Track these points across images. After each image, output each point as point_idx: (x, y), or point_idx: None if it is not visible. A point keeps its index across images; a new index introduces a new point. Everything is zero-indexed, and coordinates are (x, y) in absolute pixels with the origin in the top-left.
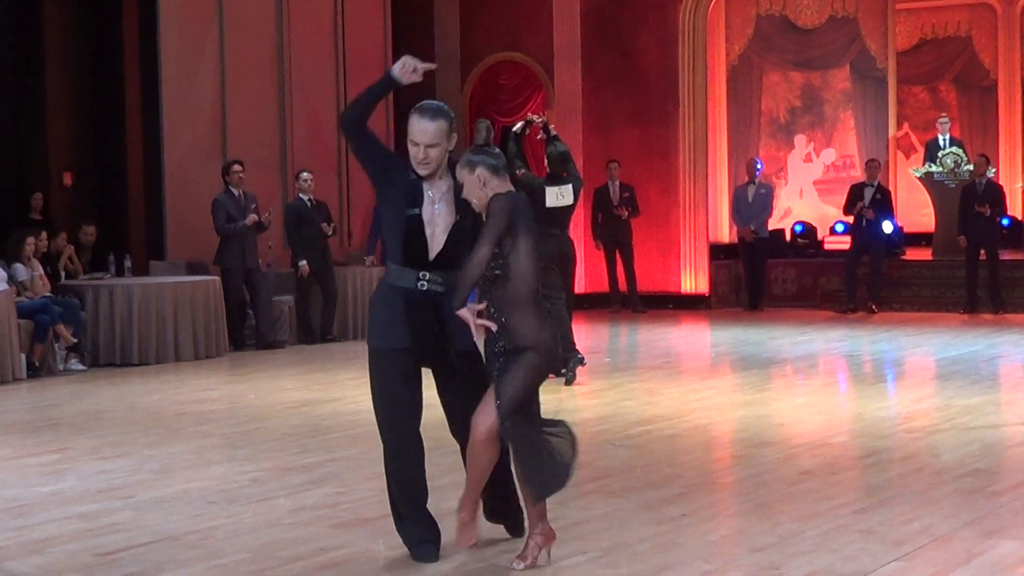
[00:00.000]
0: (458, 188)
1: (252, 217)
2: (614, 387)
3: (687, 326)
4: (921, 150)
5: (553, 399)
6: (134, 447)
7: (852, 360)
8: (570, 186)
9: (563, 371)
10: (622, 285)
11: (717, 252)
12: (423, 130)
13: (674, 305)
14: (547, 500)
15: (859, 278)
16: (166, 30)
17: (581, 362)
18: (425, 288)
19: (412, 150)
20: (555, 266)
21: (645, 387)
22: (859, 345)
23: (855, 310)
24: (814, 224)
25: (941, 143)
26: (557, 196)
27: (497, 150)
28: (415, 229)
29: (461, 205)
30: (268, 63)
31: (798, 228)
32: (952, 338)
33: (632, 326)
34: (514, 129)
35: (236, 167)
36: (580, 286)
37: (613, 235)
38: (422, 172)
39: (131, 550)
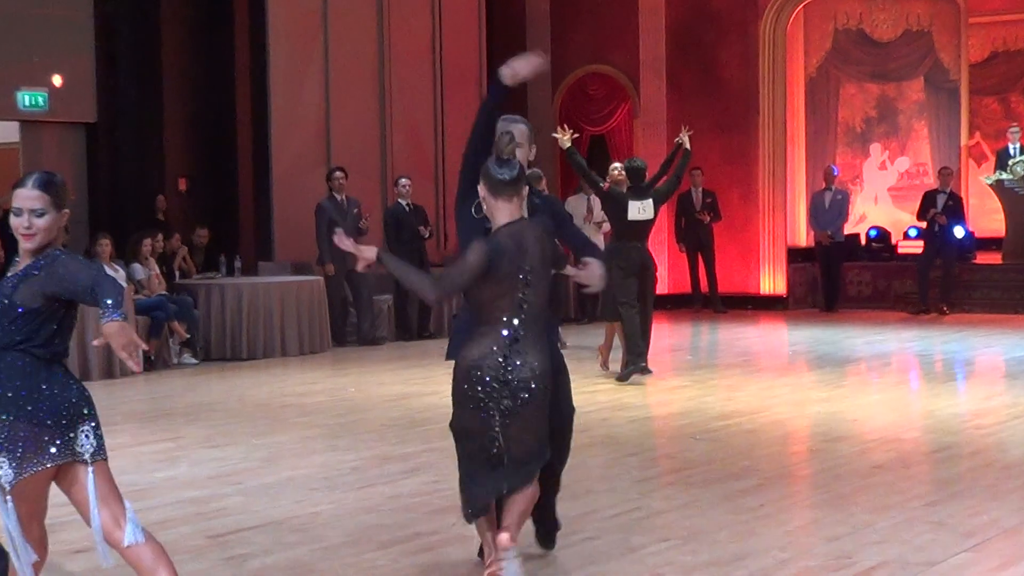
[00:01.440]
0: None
1: (345, 243)
2: (696, 383)
3: (765, 326)
4: (992, 158)
5: (639, 393)
6: (242, 436)
7: (924, 359)
8: (651, 200)
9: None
10: (703, 287)
11: (795, 255)
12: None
13: (753, 306)
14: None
15: (931, 281)
16: (275, 46)
17: (644, 370)
18: None
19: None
20: (635, 277)
21: (725, 384)
22: (930, 345)
23: (927, 312)
24: (888, 229)
25: (1011, 152)
26: (639, 210)
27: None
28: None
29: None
30: (370, 76)
31: (873, 233)
32: (1021, 339)
33: (713, 326)
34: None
35: (338, 174)
36: (664, 287)
37: (695, 239)
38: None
39: (239, 533)
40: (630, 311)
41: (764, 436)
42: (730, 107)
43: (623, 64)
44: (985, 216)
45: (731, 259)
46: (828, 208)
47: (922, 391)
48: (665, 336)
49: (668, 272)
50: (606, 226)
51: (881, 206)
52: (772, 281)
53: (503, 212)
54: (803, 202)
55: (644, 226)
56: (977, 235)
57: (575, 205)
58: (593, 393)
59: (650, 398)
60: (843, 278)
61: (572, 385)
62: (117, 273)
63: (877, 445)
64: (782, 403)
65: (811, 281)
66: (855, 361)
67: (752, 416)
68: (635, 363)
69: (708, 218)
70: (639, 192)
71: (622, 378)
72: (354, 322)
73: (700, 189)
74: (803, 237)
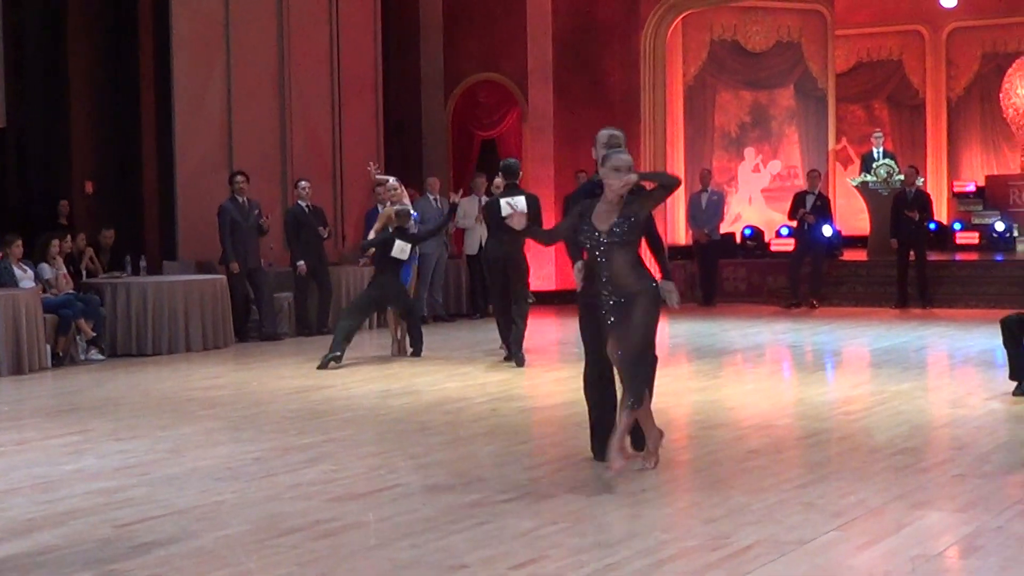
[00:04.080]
0: None
1: (234, 266)
2: (580, 376)
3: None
4: (857, 162)
5: (528, 385)
6: (148, 429)
7: (795, 350)
8: (523, 197)
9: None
10: None
11: (674, 253)
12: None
13: None
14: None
15: (802, 276)
16: (178, 53)
17: (519, 359)
18: None
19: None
20: (500, 271)
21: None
22: (801, 337)
23: (798, 305)
24: (761, 228)
25: (875, 155)
26: (509, 206)
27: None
28: None
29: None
30: (270, 82)
31: (747, 231)
32: (885, 330)
33: None
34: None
35: (239, 178)
36: (552, 283)
37: None
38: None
39: (146, 522)
40: (499, 303)
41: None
42: (613, 113)
43: (512, 71)
44: (851, 215)
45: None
46: (705, 208)
47: (794, 380)
48: (552, 330)
49: (555, 269)
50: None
51: (755, 206)
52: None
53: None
54: (682, 203)
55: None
56: (844, 233)
57: (467, 206)
58: (483, 384)
59: (539, 389)
60: (720, 274)
61: (466, 378)
62: (26, 273)
63: (752, 431)
64: (663, 393)
65: (690, 277)
66: (731, 352)
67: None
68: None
69: None
70: (510, 189)
71: (520, 362)
72: (256, 319)
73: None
74: (682, 236)
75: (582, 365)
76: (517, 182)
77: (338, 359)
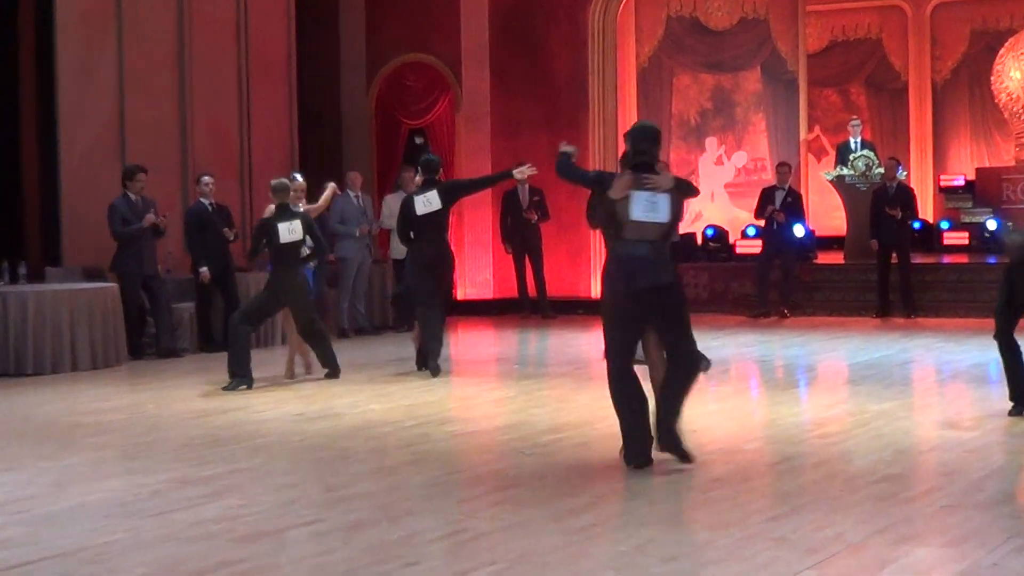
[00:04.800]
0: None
1: (149, 217)
2: (524, 394)
3: (597, 332)
4: (832, 153)
5: (462, 406)
6: (27, 459)
7: (764, 365)
8: (435, 192)
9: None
10: (531, 290)
11: None
12: None
13: (584, 311)
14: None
15: (771, 282)
16: (63, 34)
17: (437, 371)
18: None
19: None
20: (431, 273)
21: (555, 394)
22: (771, 350)
23: (767, 315)
24: (725, 228)
25: (852, 146)
26: (424, 203)
27: None
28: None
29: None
30: (168, 65)
31: (709, 232)
32: (864, 342)
33: (541, 332)
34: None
35: (141, 175)
36: (489, 292)
37: (522, 239)
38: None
39: (24, 567)
40: (428, 311)
41: (597, 450)
42: (558, 99)
43: (444, 53)
44: (826, 214)
45: (560, 261)
46: None
47: (763, 399)
48: (491, 344)
49: (494, 275)
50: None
51: (718, 203)
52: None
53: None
54: None
55: (434, 219)
56: (818, 234)
57: (393, 204)
58: (412, 406)
59: (475, 411)
60: (681, 278)
61: (392, 399)
62: None
63: (716, 457)
64: (611, 416)
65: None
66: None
67: (584, 428)
68: (429, 363)
69: (536, 217)
70: (426, 185)
71: (435, 372)
72: (152, 332)
73: (527, 187)
74: None
75: (523, 383)
76: (436, 179)
77: (250, 383)
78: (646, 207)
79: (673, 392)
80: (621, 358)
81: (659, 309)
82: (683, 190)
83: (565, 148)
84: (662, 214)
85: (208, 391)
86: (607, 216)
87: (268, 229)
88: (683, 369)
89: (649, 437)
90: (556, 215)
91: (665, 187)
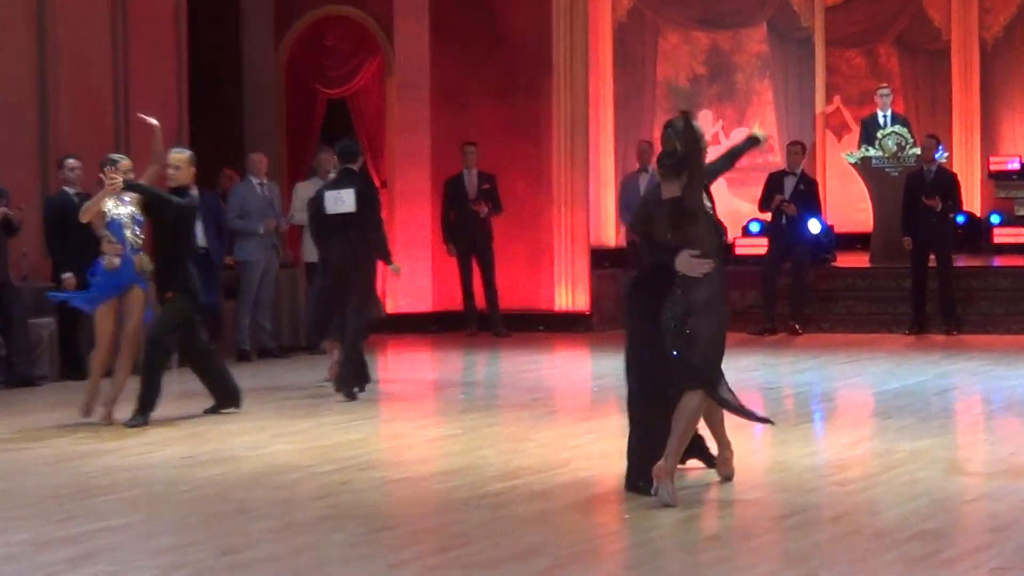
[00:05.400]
0: None
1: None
2: (470, 432)
3: (562, 353)
4: (856, 129)
5: (393, 447)
6: None
7: (770, 394)
8: (352, 190)
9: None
10: (480, 301)
11: (601, 259)
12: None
13: (546, 326)
14: None
15: (779, 291)
16: None
17: (351, 395)
18: None
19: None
20: (346, 276)
21: (508, 432)
22: (779, 375)
23: (774, 331)
24: (723, 223)
25: (881, 121)
26: (336, 201)
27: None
28: None
29: None
30: (23, 19)
31: None
32: (895, 366)
33: (492, 354)
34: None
35: None
36: (427, 303)
37: (469, 238)
38: None
39: None
40: (340, 320)
41: (561, 501)
42: (515, 64)
43: (372, 4)
44: (847, 205)
45: (516, 264)
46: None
47: (768, 437)
48: (428, 368)
49: (432, 282)
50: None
51: (714, 193)
52: (571, 294)
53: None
54: (612, 188)
55: (346, 221)
56: (837, 230)
57: (305, 193)
58: (329, 447)
59: (408, 452)
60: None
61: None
62: None
63: (710, 510)
64: (584, 456)
65: (622, 293)
66: None
67: (545, 474)
68: (344, 384)
69: (486, 210)
70: (343, 179)
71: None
72: (3, 355)
73: (474, 171)
74: (612, 235)
75: (469, 418)
76: (356, 168)
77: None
78: None
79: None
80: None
81: None
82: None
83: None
84: None
85: (73, 428)
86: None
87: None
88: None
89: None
90: (512, 207)
91: None
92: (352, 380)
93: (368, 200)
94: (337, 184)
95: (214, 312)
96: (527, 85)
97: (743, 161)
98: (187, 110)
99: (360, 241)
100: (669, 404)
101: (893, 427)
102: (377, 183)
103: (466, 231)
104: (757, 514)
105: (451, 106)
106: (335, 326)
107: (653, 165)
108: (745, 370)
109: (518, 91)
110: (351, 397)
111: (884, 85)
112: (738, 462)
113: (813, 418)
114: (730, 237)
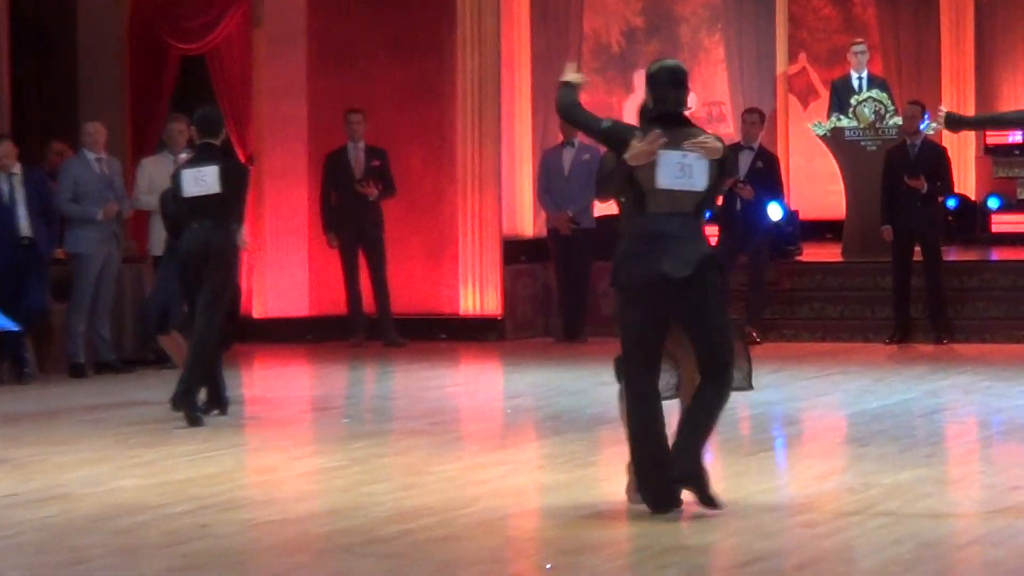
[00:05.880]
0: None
1: None
2: (355, 463)
3: (469, 367)
4: (826, 95)
5: (259, 482)
6: None
7: (722, 416)
8: (215, 167)
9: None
10: (368, 304)
11: (515, 252)
12: None
13: (449, 335)
14: None
15: (732, 291)
16: None
17: (196, 417)
18: None
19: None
20: (194, 274)
21: (403, 463)
22: (733, 393)
23: None
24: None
25: (855, 84)
26: (196, 181)
27: None
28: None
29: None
30: None
31: None
32: (873, 382)
33: (384, 368)
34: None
35: None
36: (302, 306)
37: (355, 226)
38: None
39: None
40: (200, 323)
41: (467, 547)
42: (411, 14)
43: None
44: (815, 187)
45: (413, 259)
46: (569, 176)
47: (720, 467)
48: (304, 386)
49: (310, 281)
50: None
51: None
52: (479, 295)
53: None
54: (529, 167)
55: (208, 203)
56: (803, 216)
57: (153, 171)
58: (184, 483)
59: (281, 489)
60: (594, 288)
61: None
62: None
63: (648, 558)
64: (495, 492)
65: (543, 293)
66: (615, 421)
67: (448, 515)
68: (183, 402)
69: (375, 192)
70: (203, 156)
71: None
72: None
73: (361, 145)
74: (529, 223)
75: (355, 447)
76: (217, 143)
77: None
78: (675, 172)
79: (698, 417)
80: (640, 371)
81: (686, 306)
82: (726, 165)
83: (569, 77)
84: (698, 180)
85: None
86: (623, 182)
87: None
88: (714, 387)
89: (670, 473)
90: (407, 189)
91: (714, 154)
92: (192, 395)
93: (236, 180)
94: (197, 161)
95: (40, 317)
96: (426, 40)
97: None
98: (7, 71)
99: (221, 229)
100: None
101: (871, 456)
102: (242, 159)
103: (351, 218)
104: (705, 563)
105: (332, 65)
106: (180, 321)
107: (580, 137)
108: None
109: (415, 47)
110: (194, 421)
111: (859, 41)
112: (686, 499)
113: (774, 446)
114: None
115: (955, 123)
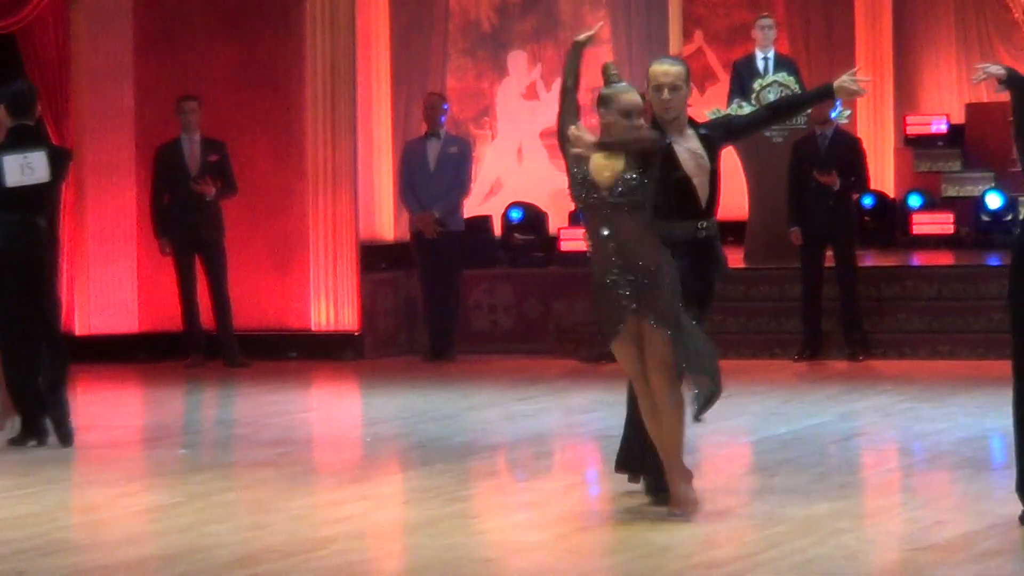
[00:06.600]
0: (705, 135)
1: None
2: (194, 500)
3: (323, 389)
4: (725, 78)
5: (84, 520)
6: None
7: (610, 444)
8: (43, 153)
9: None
10: (207, 319)
11: (375, 258)
12: (666, 72)
13: (300, 353)
14: None
15: None
16: None
17: (25, 438)
18: (704, 235)
19: (654, 95)
20: (13, 276)
21: (249, 499)
22: (622, 417)
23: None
24: (543, 209)
25: (760, 65)
26: (22, 170)
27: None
28: (685, 188)
29: (708, 149)
30: None
31: (515, 215)
32: (780, 403)
33: (225, 391)
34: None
35: None
36: (131, 321)
37: (191, 230)
38: (667, 116)
39: None
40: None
41: None
42: None
43: None
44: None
45: (258, 267)
46: (434, 171)
47: (605, 503)
48: (134, 412)
49: (139, 293)
50: None
51: (530, 166)
52: (333, 308)
53: None
54: (389, 160)
55: (32, 194)
56: None
57: None
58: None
59: (109, 530)
60: (465, 298)
61: None
62: None
63: None
64: (353, 531)
65: (406, 306)
66: (488, 450)
67: (299, 558)
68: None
69: (213, 191)
70: (22, 139)
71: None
72: None
73: (197, 137)
74: (390, 225)
75: (193, 481)
76: (33, 124)
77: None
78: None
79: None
80: None
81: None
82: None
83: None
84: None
85: None
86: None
87: None
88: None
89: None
90: (250, 187)
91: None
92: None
93: (63, 167)
94: (16, 145)
95: None
96: (270, 17)
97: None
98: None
99: (42, 224)
100: None
101: (779, 488)
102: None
103: (186, 221)
104: None
105: (163, 46)
106: None
107: (446, 128)
108: (577, 411)
109: (258, 26)
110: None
111: (766, 15)
112: (566, 540)
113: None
114: (553, 227)
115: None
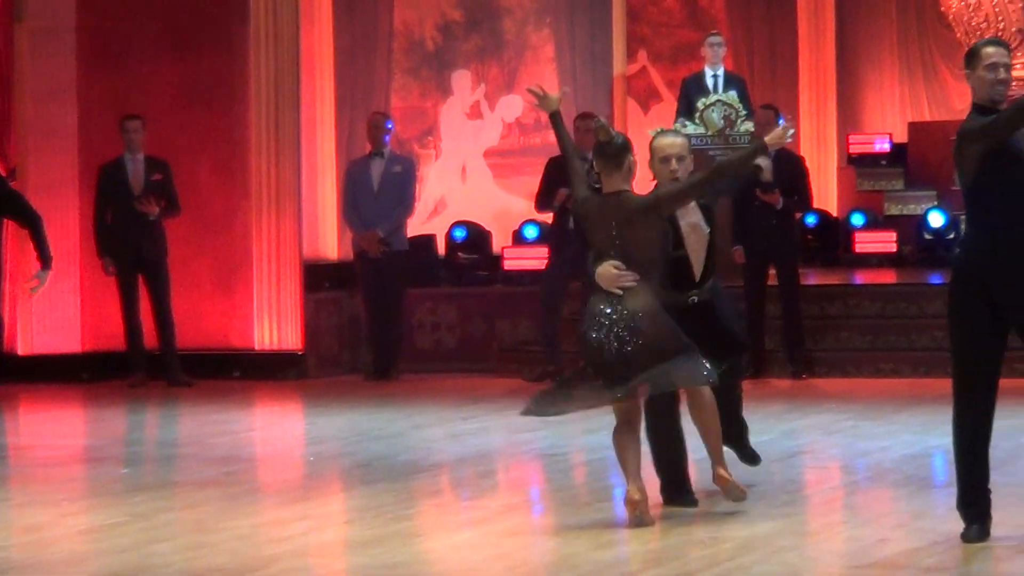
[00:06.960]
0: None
1: None
2: (137, 520)
3: (266, 409)
4: (669, 97)
5: (20, 543)
6: None
7: (554, 463)
8: None
9: None
10: (150, 338)
11: (318, 277)
12: (672, 143)
13: (244, 372)
14: None
15: (563, 321)
16: None
17: None
18: (695, 301)
19: (661, 167)
20: None
21: (192, 518)
22: (566, 437)
23: (560, 374)
24: (486, 228)
25: (710, 83)
26: None
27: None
28: (683, 268)
29: (706, 215)
30: None
31: (459, 234)
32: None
33: (168, 410)
34: None
35: None
36: (73, 341)
37: (134, 249)
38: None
39: None
40: None
41: None
42: (197, 9)
43: None
44: None
45: (201, 286)
46: (378, 190)
47: (552, 520)
48: (76, 431)
49: (82, 312)
50: None
51: (474, 185)
52: (276, 327)
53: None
54: (332, 179)
55: None
56: None
57: None
58: None
59: (50, 550)
60: (408, 317)
61: None
62: None
63: None
64: (297, 550)
65: (349, 325)
66: (432, 469)
67: None
68: None
69: (157, 210)
70: None
71: None
72: None
73: (140, 156)
74: (333, 244)
75: (135, 501)
76: None
77: None
78: None
79: None
80: None
81: None
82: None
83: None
84: None
85: None
86: None
87: None
88: None
89: None
90: (194, 206)
91: None
92: None
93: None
94: None
95: None
96: (214, 36)
97: (518, 141)
98: None
99: None
100: None
101: (721, 506)
102: (2, 172)
103: (130, 240)
104: None
105: (107, 65)
106: None
107: (390, 147)
108: (521, 430)
109: (202, 45)
110: None
111: (715, 32)
112: (509, 559)
113: (612, 495)
114: (496, 246)
115: None
